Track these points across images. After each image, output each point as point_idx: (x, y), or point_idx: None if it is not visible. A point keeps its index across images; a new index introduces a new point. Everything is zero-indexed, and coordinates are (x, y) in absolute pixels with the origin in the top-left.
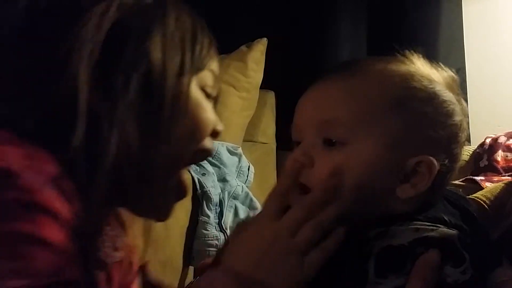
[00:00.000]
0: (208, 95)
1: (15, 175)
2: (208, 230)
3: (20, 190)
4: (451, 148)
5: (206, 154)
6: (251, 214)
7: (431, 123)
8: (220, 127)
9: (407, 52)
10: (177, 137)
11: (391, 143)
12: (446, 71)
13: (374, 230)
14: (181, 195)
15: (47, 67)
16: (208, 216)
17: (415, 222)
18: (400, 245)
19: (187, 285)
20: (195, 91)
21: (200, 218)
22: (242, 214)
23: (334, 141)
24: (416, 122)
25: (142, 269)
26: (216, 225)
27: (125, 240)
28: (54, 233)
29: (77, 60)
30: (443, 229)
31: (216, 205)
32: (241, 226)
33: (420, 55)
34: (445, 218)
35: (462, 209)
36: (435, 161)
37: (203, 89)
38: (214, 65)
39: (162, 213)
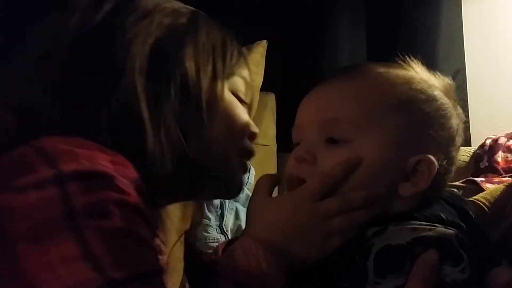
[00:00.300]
0: (240, 100)
1: (109, 177)
2: (209, 233)
3: (115, 191)
4: (449, 150)
5: (249, 153)
6: None
7: (431, 124)
8: (256, 129)
9: (406, 58)
10: (216, 135)
11: (393, 142)
12: (442, 78)
13: (372, 228)
14: (245, 169)
15: (103, 79)
16: (209, 219)
17: (412, 221)
18: (398, 244)
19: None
20: (228, 95)
21: (201, 221)
22: (243, 216)
23: (336, 139)
24: (418, 122)
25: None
26: (217, 228)
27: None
28: (145, 231)
29: (131, 71)
30: (441, 229)
31: (217, 208)
32: (265, 199)
33: (419, 62)
34: (442, 216)
35: (459, 208)
36: (435, 160)
37: (235, 94)
38: (245, 73)
39: (232, 194)
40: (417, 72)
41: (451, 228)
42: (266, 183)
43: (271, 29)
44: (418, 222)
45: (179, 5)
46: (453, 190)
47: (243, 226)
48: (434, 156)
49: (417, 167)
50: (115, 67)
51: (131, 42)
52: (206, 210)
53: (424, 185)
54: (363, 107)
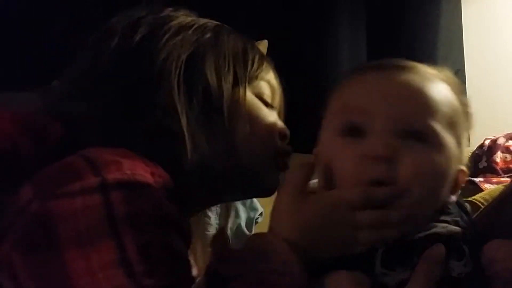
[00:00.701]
0: (266, 103)
1: (150, 188)
2: (208, 231)
3: (153, 203)
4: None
5: (284, 153)
6: (252, 215)
7: (466, 129)
8: (286, 130)
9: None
10: (241, 138)
11: (456, 149)
12: (447, 73)
13: None
14: (283, 167)
15: (143, 96)
16: (209, 217)
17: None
18: (410, 239)
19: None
20: (251, 99)
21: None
22: (243, 215)
23: (416, 136)
24: (464, 129)
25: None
26: (217, 226)
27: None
28: (179, 242)
29: (168, 87)
30: (450, 226)
31: (217, 206)
32: (298, 197)
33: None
34: (450, 207)
35: (458, 204)
36: (467, 171)
37: (260, 97)
38: (269, 76)
39: (268, 192)
40: (442, 72)
41: (460, 222)
42: (299, 177)
43: (272, 29)
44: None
45: (204, 21)
46: None
47: (243, 224)
48: (463, 164)
49: (455, 178)
50: (153, 84)
51: (165, 61)
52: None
53: (457, 192)
54: (446, 108)
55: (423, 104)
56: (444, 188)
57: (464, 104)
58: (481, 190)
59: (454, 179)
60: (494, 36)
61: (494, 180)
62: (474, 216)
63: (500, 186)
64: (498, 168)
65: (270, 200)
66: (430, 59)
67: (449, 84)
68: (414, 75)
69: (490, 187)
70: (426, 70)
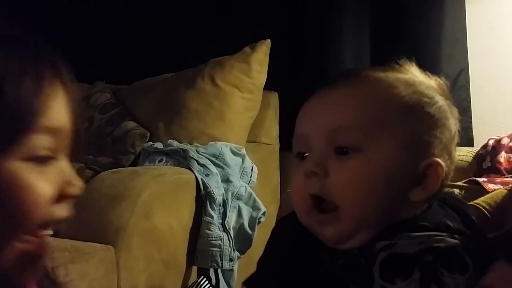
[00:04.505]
0: (45, 159)
1: None
2: (211, 230)
3: None
4: (450, 150)
5: (56, 222)
6: (255, 214)
7: (436, 126)
8: (74, 189)
9: (402, 60)
10: None
11: (403, 147)
12: (435, 78)
13: (381, 242)
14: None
15: None
16: (212, 216)
17: (421, 233)
18: (407, 253)
19: None
20: (13, 170)
21: (204, 218)
22: (245, 215)
23: (346, 149)
24: (424, 126)
25: None
26: (220, 225)
27: None
28: None
29: None
30: (447, 239)
31: (220, 206)
32: None
33: (414, 63)
34: (448, 223)
35: (461, 213)
36: (442, 163)
37: (33, 158)
38: (51, 114)
39: None
40: (414, 74)
41: (457, 237)
42: None
43: (275, 28)
44: (427, 234)
45: None
46: (454, 194)
47: (245, 224)
48: (440, 158)
49: (426, 171)
50: None
51: None
52: (209, 208)
53: (434, 188)
54: (374, 112)
55: (350, 117)
56: (391, 188)
57: (426, 97)
58: (484, 190)
59: (423, 172)
60: (497, 35)
61: (498, 180)
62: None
63: (503, 190)
64: (502, 168)
65: (272, 200)
66: (434, 59)
67: (406, 81)
68: (353, 86)
69: (494, 187)
70: (377, 75)
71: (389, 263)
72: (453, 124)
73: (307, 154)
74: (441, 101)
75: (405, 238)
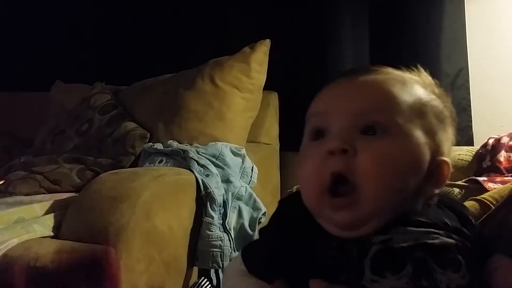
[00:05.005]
0: None
1: None
2: (212, 231)
3: None
4: (451, 149)
5: None
6: (255, 215)
7: (449, 126)
8: None
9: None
10: None
11: (425, 142)
12: (430, 77)
13: (378, 236)
14: None
15: None
16: (212, 217)
17: (418, 228)
18: (399, 246)
19: None
20: None
21: (204, 219)
22: (246, 215)
23: (375, 129)
24: (441, 124)
25: None
26: (220, 226)
27: None
28: None
29: None
30: (442, 238)
31: (220, 206)
32: None
33: (423, 69)
34: (446, 221)
35: (459, 213)
36: (450, 163)
37: None
38: None
39: None
40: (428, 78)
41: (454, 236)
42: None
43: (275, 28)
44: (424, 230)
45: None
46: (451, 196)
47: (246, 224)
48: (448, 157)
49: (437, 169)
50: None
51: None
52: (209, 209)
53: (442, 186)
54: (396, 102)
55: (380, 98)
56: (412, 177)
57: (439, 98)
58: (484, 189)
59: (434, 170)
60: (497, 35)
61: (498, 179)
62: (482, 219)
63: (509, 185)
64: (502, 167)
65: (273, 200)
66: (434, 59)
67: (421, 82)
68: (377, 75)
69: (494, 186)
70: (395, 71)
71: (380, 256)
72: (452, 122)
73: (323, 134)
74: (444, 101)
75: (401, 232)
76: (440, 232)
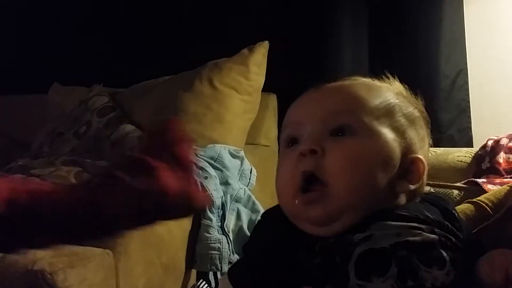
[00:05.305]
0: None
1: None
2: (210, 233)
3: None
4: (426, 148)
5: None
6: (253, 217)
7: (419, 125)
8: None
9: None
10: None
11: (395, 139)
12: (399, 84)
13: (358, 234)
14: None
15: None
16: (211, 219)
17: (399, 223)
18: (381, 247)
19: None
20: None
21: (203, 221)
22: (245, 217)
23: (342, 130)
24: (410, 123)
25: None
26: (219, 228)
27: None
28: None
29: None
30: (425, 233)
31: (219, 208)
32: None
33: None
34: (427, 214)
35: (442, 208)
36: (425, 160)
37: None
38: None
39: None
40: (396, 84)
41: (436, 230)
42: None
43: (273, 29)
44: (405, 224)
45: None
46: (435, 193)
47: (245, 226)
48: (423, 155)
49: (410, 166)
50: None
51: None
52: (208, 211)
53: (418, 182)
54: (362, 104)
55: (346, 101)
56: (381, 173)
57: (407, 100)
58: (483, 190)
59: (408, 168)
60: (496, 36)
61: (497, 181)
62: (478, 229)
63: (505, 187)
64: (501, 168)
65: (272, 202)
66: (433, 59)
67: (389, 86)
68: (344, 81)
69: (493, 188)
70: (363, 78)
71: (364, 260)
72: (424, 124)
73: (297, 141)
74: (414, 104)
75: (382, 227)
76: (422, 227)
